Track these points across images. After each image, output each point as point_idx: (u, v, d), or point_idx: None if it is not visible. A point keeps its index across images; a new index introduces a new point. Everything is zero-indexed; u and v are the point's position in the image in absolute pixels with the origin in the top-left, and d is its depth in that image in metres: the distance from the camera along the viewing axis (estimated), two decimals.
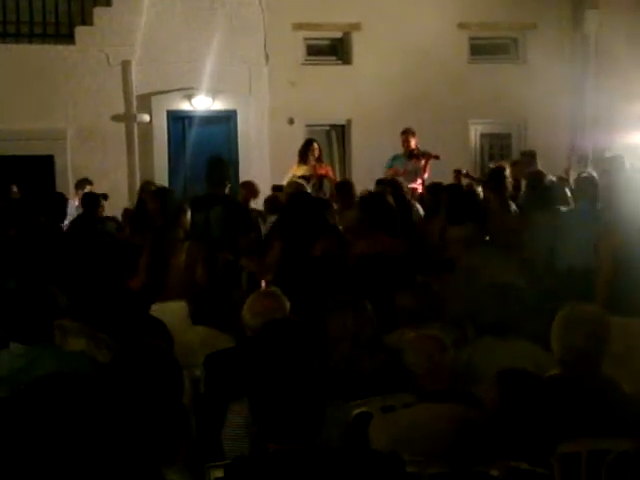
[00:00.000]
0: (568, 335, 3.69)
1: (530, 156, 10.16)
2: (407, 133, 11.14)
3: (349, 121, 14.47)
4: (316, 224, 6.21)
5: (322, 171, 10.48)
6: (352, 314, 4.17)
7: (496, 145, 15.26)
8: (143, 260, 6.25)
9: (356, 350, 4.12)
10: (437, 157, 10.88)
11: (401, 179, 9.52)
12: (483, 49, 15.06)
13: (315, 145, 10.65)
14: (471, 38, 14.89)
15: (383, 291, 5.12)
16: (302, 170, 10.36)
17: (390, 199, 6.67)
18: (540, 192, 7.56)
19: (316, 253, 6.01)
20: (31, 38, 13.03)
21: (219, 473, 3.20)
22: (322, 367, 3.98)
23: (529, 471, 2.56)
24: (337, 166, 14.48)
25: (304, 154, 10.52)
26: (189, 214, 6.74)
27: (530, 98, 14.01)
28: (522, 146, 14.75)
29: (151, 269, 6.21)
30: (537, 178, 8.10)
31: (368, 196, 7.09)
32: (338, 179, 11.20)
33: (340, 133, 14.78)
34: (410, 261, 5.87)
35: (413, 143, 11.03)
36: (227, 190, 7.39)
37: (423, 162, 10.89)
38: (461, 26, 14.65)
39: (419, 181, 10.62)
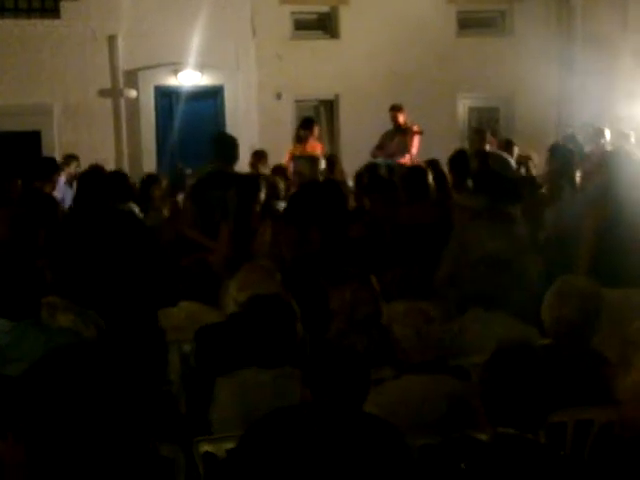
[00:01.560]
0: (560, 306, 3.72)
1: (476, 133, 10.19)
2: (395, 109, 11.08)
3: (337, 96, 14.42)
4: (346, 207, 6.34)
5: (318, 149, 10.46)
6: (351, 289, 4.17)
7: (484, 119, 15.24)
8: (224, 233, 6.21)
9: (351, 326, 4.12)
10: (420, 132, 10.81)
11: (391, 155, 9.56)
12: (471, 22, 15.01)
13: (316, 125, 10.65)
14: (459, 12, 14.84)
15: (422, 260, 5.18)
16: (300, 149, 10.30)
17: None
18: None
19: (353, 235, 6.04)
20: (16, 12, 12.89)
21: (208, 447, 3.22)
22: (317, 340, 4.00)
23: (518, 436, 2.58)
24: (325, 141, 14.43)
25: (304, 134, 10.46)
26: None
27: (518, 71, 13.99)
28: (510, 120, 14.75)
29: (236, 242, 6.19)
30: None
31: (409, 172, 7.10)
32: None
33: (328, 108, 14.73)
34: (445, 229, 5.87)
35: (401, 119, 10.98)
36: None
37: (409, 138, 10.85)
38: (449, 0, 14.59)
39: (407, 156, 10.58)
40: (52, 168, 7.86)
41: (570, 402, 3.29)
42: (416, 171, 6.89)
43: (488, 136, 10.08)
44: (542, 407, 2.63)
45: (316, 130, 10.59)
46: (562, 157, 7.57)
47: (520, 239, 5.45)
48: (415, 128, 10.80)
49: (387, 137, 10.80)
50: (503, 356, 2.67)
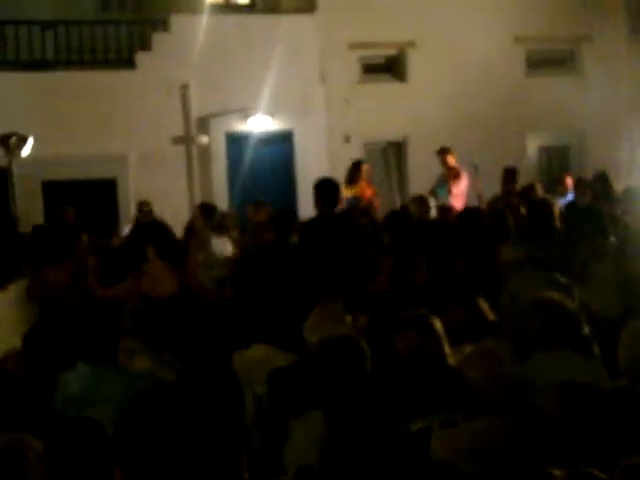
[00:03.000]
0: (636, 347, 3.67)
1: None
2: (442, 152, 11.00)
3: (406, 138, 14.48)
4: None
5: (370, 192, 10.53)
6: (416, 332, 4.15)
7: (555, 158, 15.12)
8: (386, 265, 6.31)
9: (419, 368, 4.11)
10: (457, 175, 10.73)
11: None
12: (540, 62, 14.98)
13: (365, 166, 10.71)
14: (528, 52, 14.83)
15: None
16: (351, 191, 10.37)
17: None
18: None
19: (460, 272, 6.10)
20: (94, 64, 13.36)
21: None
22: (387, 382, 4.00)
23: (597, 477, 2.54)
24: (394, 183, 14.49)
25: (354, 175, 10.56)
26: None
27: (588, 110, 13.89)
28: (581, 159, 14.61)
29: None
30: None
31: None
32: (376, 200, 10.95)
33: (397, 150, 14.80)
34: None
35: (451, 161, 10.91)
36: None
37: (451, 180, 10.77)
38: (517, 40, 14.60)
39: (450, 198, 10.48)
40: (110, 224, 7.89)
41: None
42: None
43: (566, 177, 9.98)
44: (613, 448, 2.60)
45: (365, 171, 10.62)
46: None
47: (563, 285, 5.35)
48: (457, 170, 10.71)
49: (439, 180, 10.82)
50: (571, 397, 2.65)
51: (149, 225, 7.53)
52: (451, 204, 9.98)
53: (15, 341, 4.23)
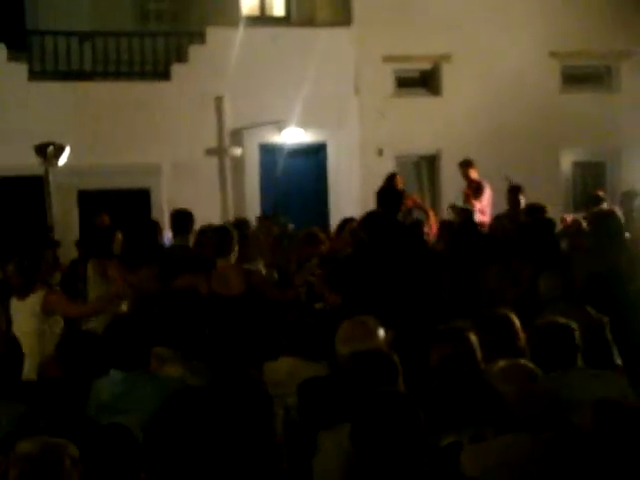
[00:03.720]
0: None
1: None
2: (464, 165, 10.96)
3: (439, 151, 14.45)
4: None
5: (409, 202, 10.50)
6: (452, 347, 4.14)
7: (589, 174, 15.01)
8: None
9: (451, 381, 4.09)
10: (478, 187, 10.69)
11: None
12: (575, 77, 14.91)
13: (398, 177, 10.71)
14: (563, 67, 14.76)
15: None
16: None
17: None
18: None
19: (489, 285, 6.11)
20: (130, 76, 13.50)
21: None
22: (419, 396, 3.99)
23: None
24: (426, 196, 14.46)
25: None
26: None
27: (624, 126, 13.79)
28: (616, 175, 14.48)
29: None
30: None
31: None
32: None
33: (430, 164, 14.77)
34: None
35: (473, 174, 10.86)
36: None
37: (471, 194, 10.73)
38: (553, 55, 14.53)
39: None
40: (153, 230, 7.97)
41: None
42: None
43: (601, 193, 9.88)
44: None
45: (399, 183, 10.61)
46: None
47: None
48: (477, 183, 10.66)
49: (462, 196, 10.80)
50: (607, 414, 2.63)
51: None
52: (478, 219, 9.98)
53: None
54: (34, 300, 6.09)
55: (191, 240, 7.32)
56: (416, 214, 10.16)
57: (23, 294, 6.16)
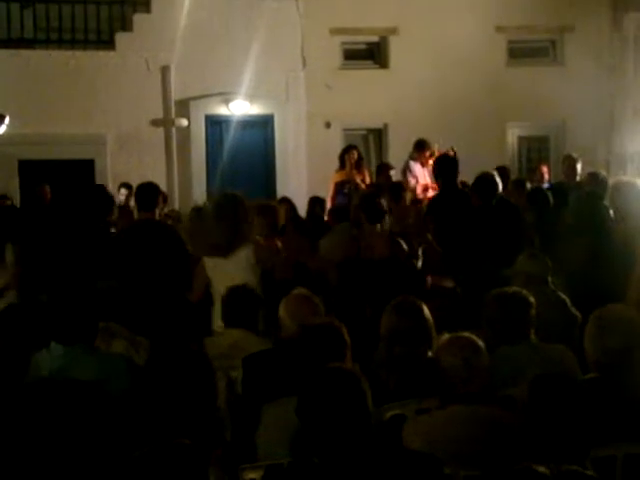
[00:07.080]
0: (603, 337, 3.65)
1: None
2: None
3: (386, 125, 14.48)
4: None
5: (358, 178, 10.48)
6: (399, 316, 4.13)
7: (534, 148, 15.16)
8: None
9: (398, 353, 4.10)
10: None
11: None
12: (521, 52, 15.01)
13: (353, 151, 10.66)
14: (509, 41, 14.84)
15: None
16: (340, 176, 10.41)
17: None
18: None
19: None
20: (73, 44, 13.22)
21: (253, 474, 3.24)
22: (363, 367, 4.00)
23: (581, 473, 2.53)
24: (374, 170, 14.46)
25: (342, 159, 10.56)
26: None
27: (568, 100, 13.91)
28: (560, 149, 14.65)
29: None
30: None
31: None
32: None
33: (377, 137, 14.79)
34: None
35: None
36: None
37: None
38: (499, 29, 14.59)
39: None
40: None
41: (619, 435, 3.26)
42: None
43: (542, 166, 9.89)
44: (585, 439, 2.60)
45: (353, 156, 10.55)
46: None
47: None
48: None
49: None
50: (542, 388, 2.65)
51: None
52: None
53: None
54: None
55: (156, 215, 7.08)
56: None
57: None
